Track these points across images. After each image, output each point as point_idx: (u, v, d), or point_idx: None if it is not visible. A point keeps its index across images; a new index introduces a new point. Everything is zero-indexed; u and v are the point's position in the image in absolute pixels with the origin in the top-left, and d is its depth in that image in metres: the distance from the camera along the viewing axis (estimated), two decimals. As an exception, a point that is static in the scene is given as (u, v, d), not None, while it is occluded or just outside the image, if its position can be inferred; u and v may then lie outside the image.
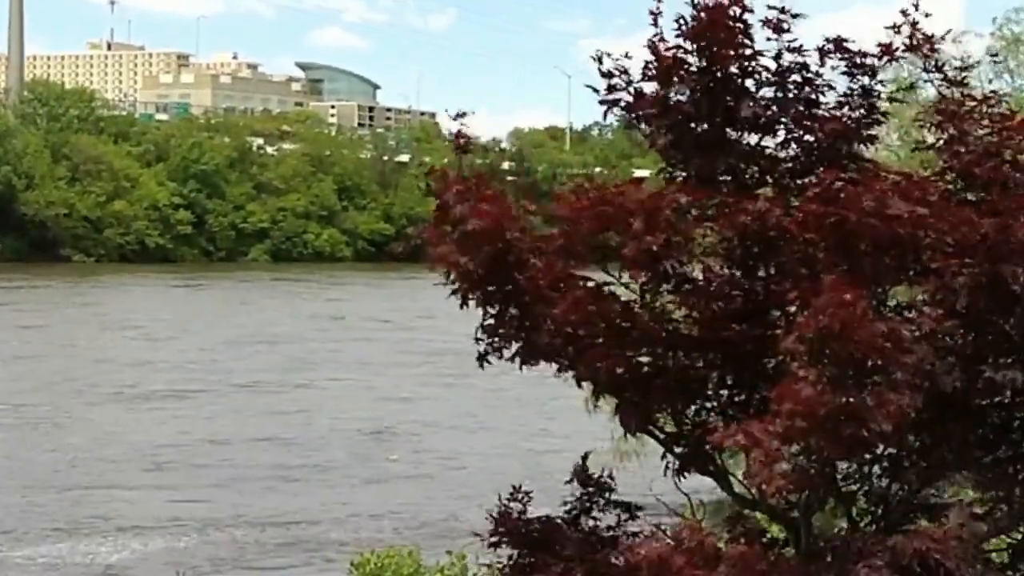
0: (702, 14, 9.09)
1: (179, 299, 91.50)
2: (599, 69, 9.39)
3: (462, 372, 52.55)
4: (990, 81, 25.81)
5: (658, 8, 9.24)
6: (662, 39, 9.21)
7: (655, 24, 9.25)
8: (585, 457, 9.96)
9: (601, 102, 9.45)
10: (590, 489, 9.67)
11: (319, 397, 48.81)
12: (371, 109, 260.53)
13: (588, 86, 9.43)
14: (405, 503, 32.99)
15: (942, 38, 9.40)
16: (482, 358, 9.28)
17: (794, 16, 9.19)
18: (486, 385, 48.11)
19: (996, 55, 26.85)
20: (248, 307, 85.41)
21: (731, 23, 9.07)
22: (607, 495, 9.65)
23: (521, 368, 9.31)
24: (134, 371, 54.05)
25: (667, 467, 9.31)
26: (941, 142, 9.31)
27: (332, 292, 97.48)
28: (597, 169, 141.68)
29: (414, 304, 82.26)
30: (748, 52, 9.16)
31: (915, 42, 9.28)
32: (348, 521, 31.26)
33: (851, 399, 7.59)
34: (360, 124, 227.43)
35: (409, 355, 59.50)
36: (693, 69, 9.21)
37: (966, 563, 7.82)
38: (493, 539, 9.43)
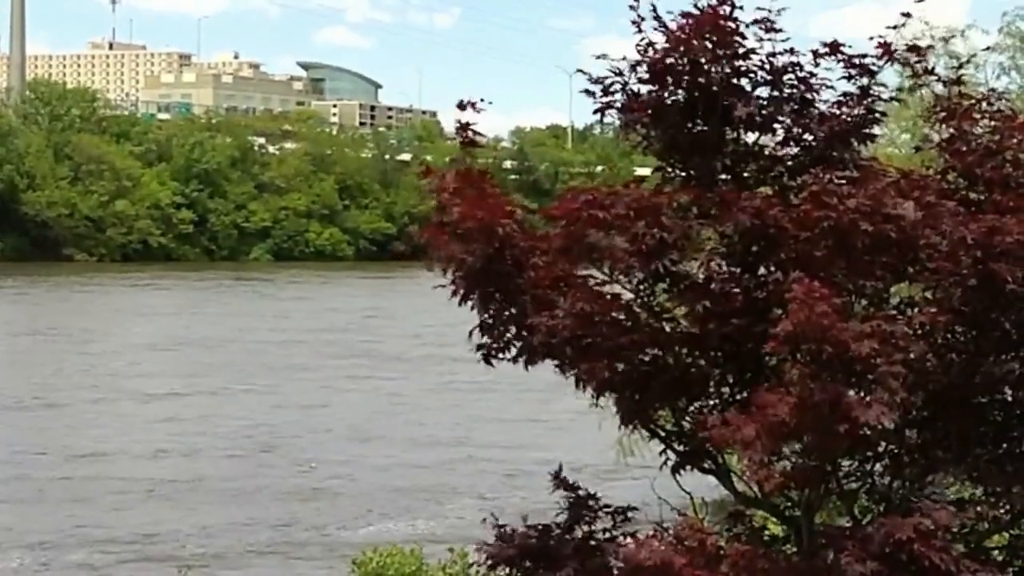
0: (686, 22, 9.03)
1: (126, 300, 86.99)
2: (588, 76, 9.37)
3: (371, 375, 51.27)
4: (997, 78, 25.63)
5: (639, 16, 9.17)
6: (651, 44, 9.17)
7: (639, 30, 9.19)
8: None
9: (596, 111, 9.41)
10: (578, 495, 9.57)
11: (218, 404, 45.48)
12: (373, 108, 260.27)
13: (584, 91, 9.42)
14: (277, 516, 30.30)
15: (944, 40, 9.42)
16: (487, 358, 9.27)
17: (780, 11, 9.10)
18: (392, 388, 47.55)
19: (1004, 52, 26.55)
20: (193, 308, 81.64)
21: (720, 23, 9.00)
22: (595, 501, 9.54)
23: (527, 367, 9.31)
24: (29, 375, 50.83)
25: (667, 464, 9.32)
26: (943, 141, 9.32)
27: (290, 291, 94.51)
28: (599, 167, 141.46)
29: (354, 304, 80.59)
30: (741, 51, 9.11)
31: (903, 54, 9.27)
32: (211, 535, 28.47)
33: (839, 397, 7.61)
34: (362, 123, 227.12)
35: (328, 359, 56.58)
36: (684, 72, 9.19)
37: (952, 559, 7.81)
38: (490, 563, 9.39)
